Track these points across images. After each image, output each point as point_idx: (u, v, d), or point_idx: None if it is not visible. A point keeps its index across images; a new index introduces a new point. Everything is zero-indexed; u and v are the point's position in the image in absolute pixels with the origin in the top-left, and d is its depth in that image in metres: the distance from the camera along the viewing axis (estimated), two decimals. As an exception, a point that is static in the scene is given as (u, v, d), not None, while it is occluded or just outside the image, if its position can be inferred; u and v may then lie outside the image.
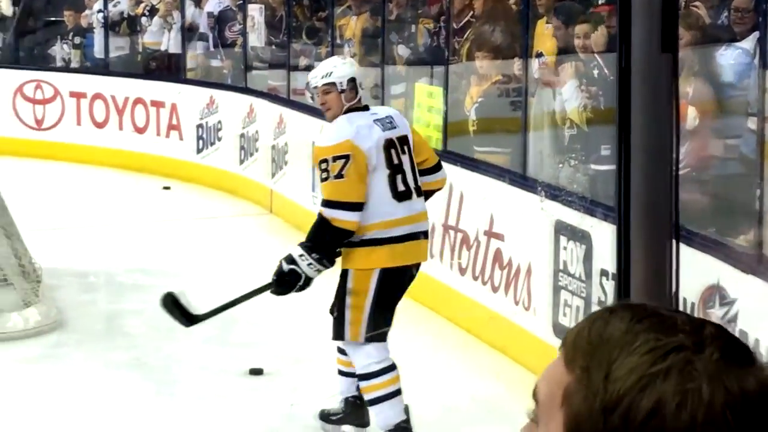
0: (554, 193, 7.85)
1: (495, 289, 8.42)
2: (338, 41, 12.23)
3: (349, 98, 6.69)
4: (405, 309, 9.27)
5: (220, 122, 14.14)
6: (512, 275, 8.20)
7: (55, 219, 11.44)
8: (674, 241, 3.12)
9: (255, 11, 14.13)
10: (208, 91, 14.45)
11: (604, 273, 7.07)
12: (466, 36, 10.09)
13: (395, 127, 6.73)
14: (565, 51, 8.80)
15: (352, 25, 12.06)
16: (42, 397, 7.30)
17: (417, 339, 8.74)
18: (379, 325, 6.53)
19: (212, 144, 14.30)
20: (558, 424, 1.20)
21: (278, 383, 7.88)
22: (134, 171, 14.61)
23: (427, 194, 6.90)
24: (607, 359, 1.17)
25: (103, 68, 16.01)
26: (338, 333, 6.60)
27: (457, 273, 8.93)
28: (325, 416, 6.97)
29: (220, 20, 14.92)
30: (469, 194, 8.83)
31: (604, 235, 7.06)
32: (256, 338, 8.75)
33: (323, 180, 6.53)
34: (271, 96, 13.22)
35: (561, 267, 7.55)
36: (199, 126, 14.45)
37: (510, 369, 7.99)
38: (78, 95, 15.71)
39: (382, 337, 6.59)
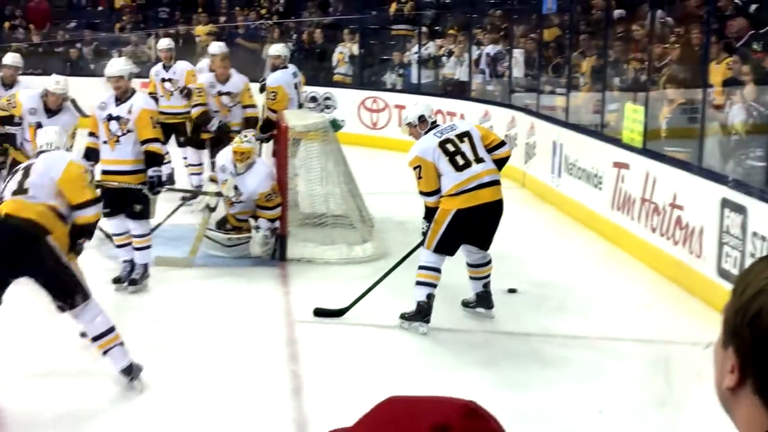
0: (722, 178, 7.65)
1: (676, 243, 8.20)
2: (574, 75, 12.05)
3: (423, 128, 7.19)
4: (614, 255, 9.17)
5: (491, 127, 14.01)
6: (688, 234, 7.97)
7: (383, 185, 11.55)
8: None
9: (518, 53, 14.04)
10: (484, 106, 14.40)
11: (755, 234, 6.83)
12: (663, 72, 9.87)
13: (454, 129, 7.13)
14: (734, 81, 8.56)
15: (584, 64, 11.87)
16: (370, 300, 7.37)
17: (621, 276, 8.61)
18: (443, 247, 6.96)
19: (486, 141, 14.27)
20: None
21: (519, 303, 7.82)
22: (434, 157, 14.68)
23: (500, 161, 7.21)
24: (745, 282, 1.19)
25: (416, 90, 16.11)
26: (423, 242, 7.06)
27: (650, 231, 8.71)
28: (466, 304, 7.46)
29: (494, 59, 14.88)
30: (660, 178, 8.61)
31: (756, 208, 6.90)
32: (511, 267, 8.69)
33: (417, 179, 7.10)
34: (526, 110, 13.10)
35: (725, 229, 7.28)
36: (478, 129, 14.46)
37: (686, 299, 7.81)
38: (401, 107, 15.81)
39: (444, 253, 7.00)
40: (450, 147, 6.95)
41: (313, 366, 6.26)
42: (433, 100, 15.35)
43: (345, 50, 17.22)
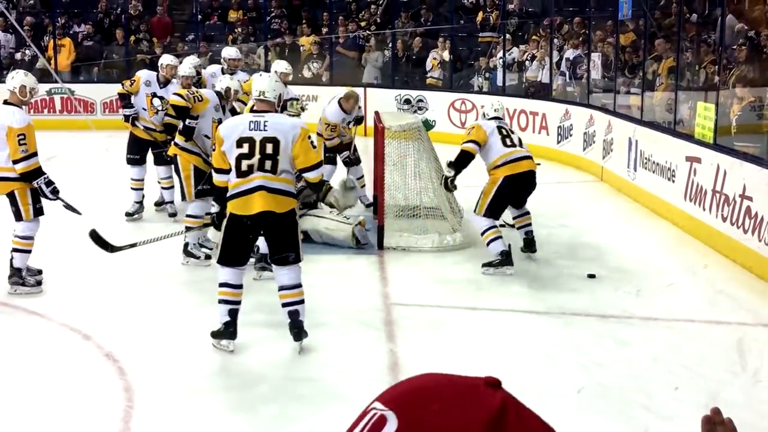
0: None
1: (745, 231, 8.01)
2: (648, 77, 11.83)
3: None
4: (687, 243, 8.99)
5: (571, 125, 13.92)
6: (758, 223, 7.78)
7: (470, 180, 11.45)
8: None
9: (595, 56, 13.84)
10: (564, 106, 14.24)
11: (822, 224, 6.65)
12: (732, 73, 9.65)
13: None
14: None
15: (660, 66, 11.63)
16: (459, 284, 7.34)
17: (694, 262, 8.45)
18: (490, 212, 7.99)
19: (566, 138, 14.08)
20: None
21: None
22: (518, 153, 14.56)
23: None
24: None
25: (501, 92, 15.98)
26: (476, 209, 8.11)
27: (720, 220, 8.52)
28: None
29: (573, 62, 14.70)
30: (730, 171, 8.41)
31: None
32: (590, 254, 8.59)
33: None
34: (604, 109, 12.91)
35: (792, 219, 7.12)
36: (559, 127, 14.27)
37: (751, 280, 7.71)
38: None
39: (491, 217, 7.96)
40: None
41: (408, 345, 6.26)
42: (517, 100, 15.36)
43: (437, 56, 17.20)
